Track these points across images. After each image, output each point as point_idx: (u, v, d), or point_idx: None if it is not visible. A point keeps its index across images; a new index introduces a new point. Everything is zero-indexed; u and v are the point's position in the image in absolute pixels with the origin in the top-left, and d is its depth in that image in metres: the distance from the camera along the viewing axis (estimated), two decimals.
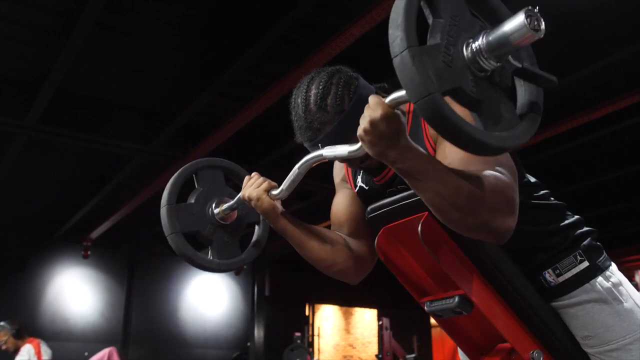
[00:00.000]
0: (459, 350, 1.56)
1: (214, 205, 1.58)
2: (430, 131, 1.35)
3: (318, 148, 1.34)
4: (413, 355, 6.69)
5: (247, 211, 1.61)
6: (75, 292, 9.80)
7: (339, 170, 1.65)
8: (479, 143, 0.94)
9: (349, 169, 1.58)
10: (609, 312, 1.33)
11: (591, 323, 1.34)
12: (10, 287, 9.06)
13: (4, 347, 5.40)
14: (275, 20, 4.07)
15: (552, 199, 1.47)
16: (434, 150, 1.34)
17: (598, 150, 6.76)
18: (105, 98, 5.64)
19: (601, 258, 1.40)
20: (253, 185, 1.46)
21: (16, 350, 5.39)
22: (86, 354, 8.38)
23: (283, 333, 9.70)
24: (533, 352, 1.31)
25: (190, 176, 1.61)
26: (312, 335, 11.30)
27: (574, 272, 1.37)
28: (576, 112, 5.41)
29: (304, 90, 1.37)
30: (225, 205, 1.57)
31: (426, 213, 1.32)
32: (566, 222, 1.43)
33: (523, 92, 1.07)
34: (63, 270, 9.80)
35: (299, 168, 1.39)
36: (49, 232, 9.31)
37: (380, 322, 6.98)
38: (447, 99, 0.94)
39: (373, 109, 1.07)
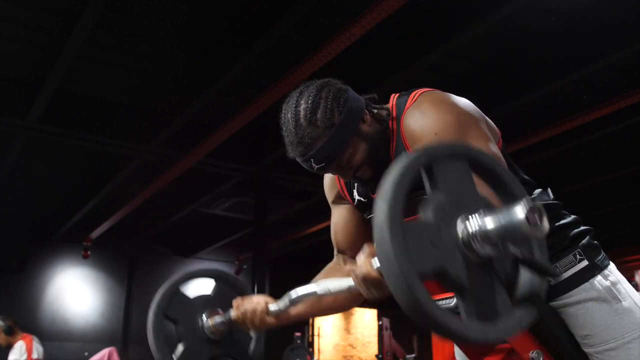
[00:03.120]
0: (456, 351, 1.56)
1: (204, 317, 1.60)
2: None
3: (310, 163, 1.33)
4: (413, 355, 6.68)
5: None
6: (75, 292, 9.79)
7: (332, 186, 1.60)
8: (455, 334, 0.82)
9: (342, 183, 1.55)
10: (608, 311, 1.33)
11: (590, 322, 1.34)
12: (10, 287, 9.05)
13: None
14: (275, 20, 4.07)
15: (546, 198, 1.46)
16: None
17: (598, 150, 6.76)
18: (105, 98, 5.64)
19: (600, 257, 1.40)
20: (248, 312, 1.46)
21: (9, 346, 5.31)
22: (86, 354, 8.38)
23: (283, 333, 9.68)
24: (533, 353, 1.30)
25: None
26: (312, 335, 11.29)
27: (574, 271, 1.37)
28: (576, 112, 5.41)
29: (294, 105, 1.36)
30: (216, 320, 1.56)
31: None
32: (563, 221, 1.43)
33: (523, 278, 0.94)
34: (63, 270, 9.79)
35: (293, 300, 1.34)
36: (49, 232, 9.30)
37: (380, 322, 6.97)
38: None
39: (359, 268, 1.06)
